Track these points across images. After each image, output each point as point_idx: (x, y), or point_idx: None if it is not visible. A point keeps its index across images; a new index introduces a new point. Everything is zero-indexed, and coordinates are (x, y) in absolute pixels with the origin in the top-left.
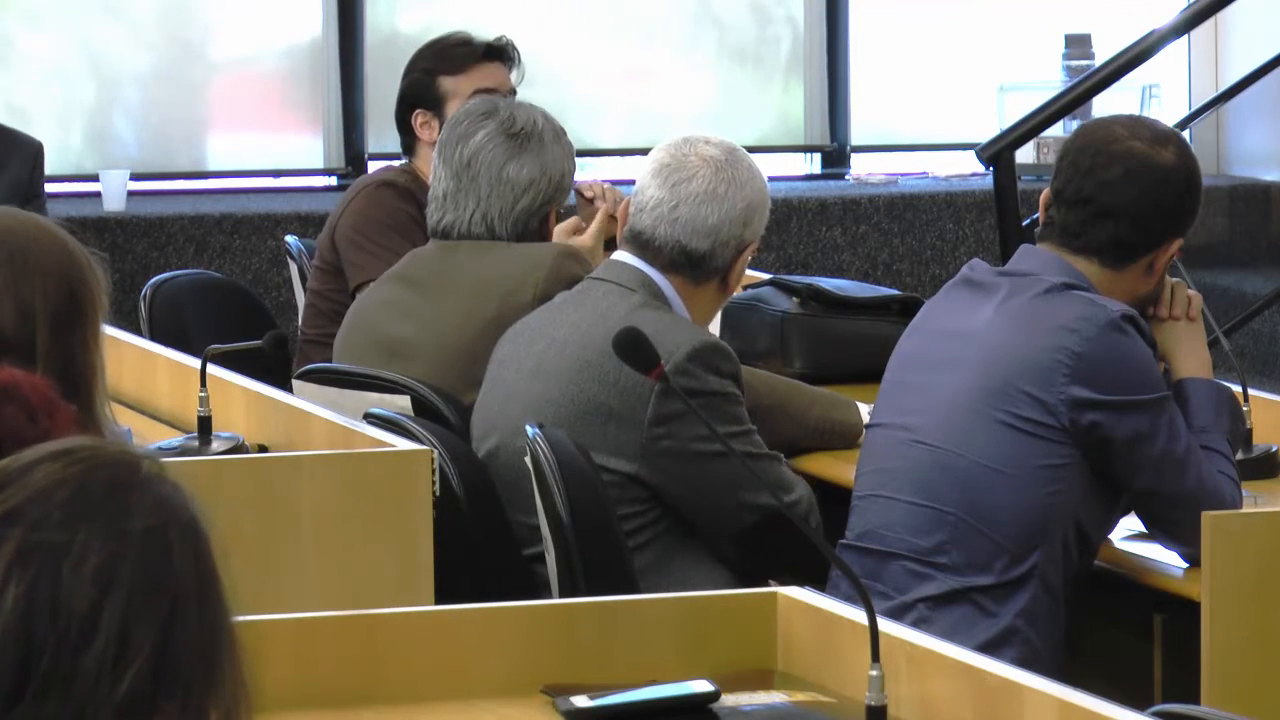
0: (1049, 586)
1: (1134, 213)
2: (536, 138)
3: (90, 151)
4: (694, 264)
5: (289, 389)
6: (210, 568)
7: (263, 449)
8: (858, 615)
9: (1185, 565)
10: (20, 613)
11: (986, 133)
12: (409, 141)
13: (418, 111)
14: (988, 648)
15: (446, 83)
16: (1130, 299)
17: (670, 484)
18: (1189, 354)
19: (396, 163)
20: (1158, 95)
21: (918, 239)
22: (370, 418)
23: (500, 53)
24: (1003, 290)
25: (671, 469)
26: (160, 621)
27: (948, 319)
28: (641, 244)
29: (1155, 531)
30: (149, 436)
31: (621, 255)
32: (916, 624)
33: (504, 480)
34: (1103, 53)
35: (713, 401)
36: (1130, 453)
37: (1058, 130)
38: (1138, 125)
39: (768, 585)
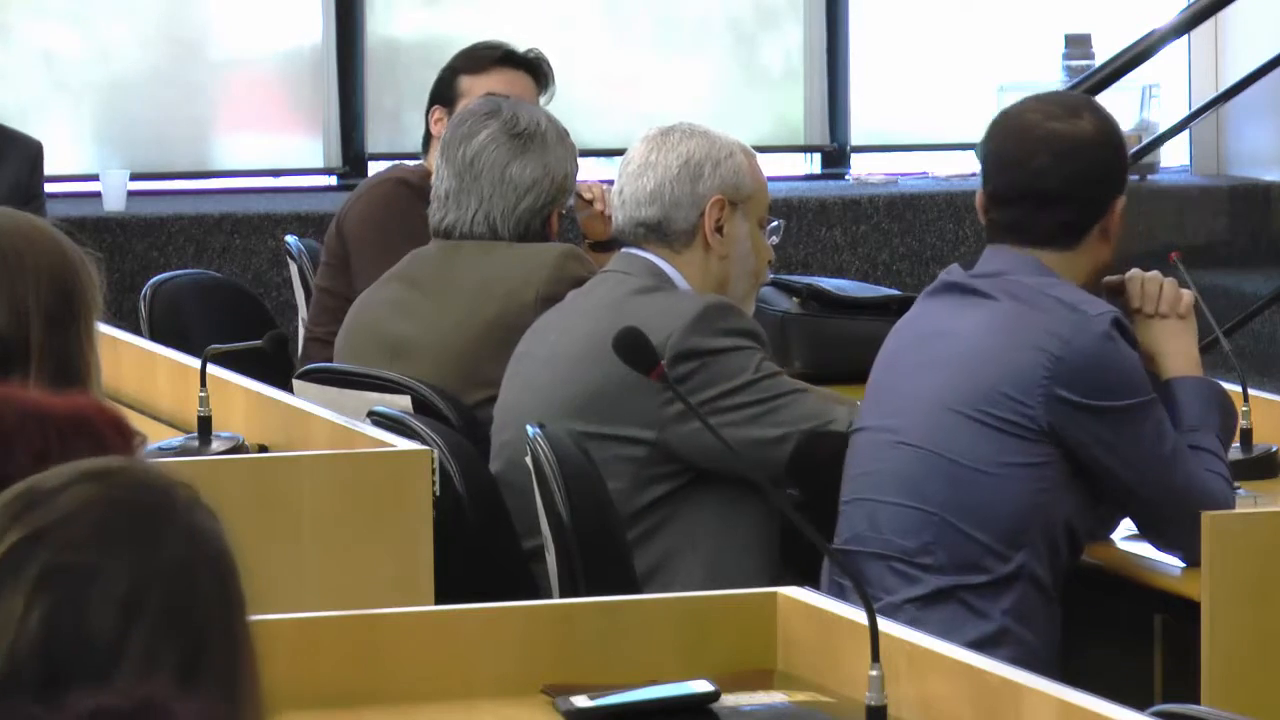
0: (1038, 585)
1: (1073, 191)
2: (540, 138)
3: (90, 151)
4: (659, 233)
5: (289, 389)
6: (237, 601)
7: (263, 449)
8: (858, 615)
9: (1184, 565)
10: (43, 635)
11: None
12: (429, 139)
13: (435, 107)
14: (979, 648)
15: (464, 82)
16: (1096, 270)
17: (689, 447)
18: (1176, 353)
19: (411, 163)
20: (1158, 95)
21: (918, 239)
22: (374, 416)
23: (521, 61)
24: (983, 292)
25: (688, 430)
26: (184, 656)
27: (928, 322)
28: (621, 239)
29: (1149, 536)
30: (149, 437)
31: (625, 249)
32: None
33: (522, 470)
34: (1103, 53)
35: (722, 357)
36: (1115, 458)
37: None
38: (1047, 104)
39: (776, 582)
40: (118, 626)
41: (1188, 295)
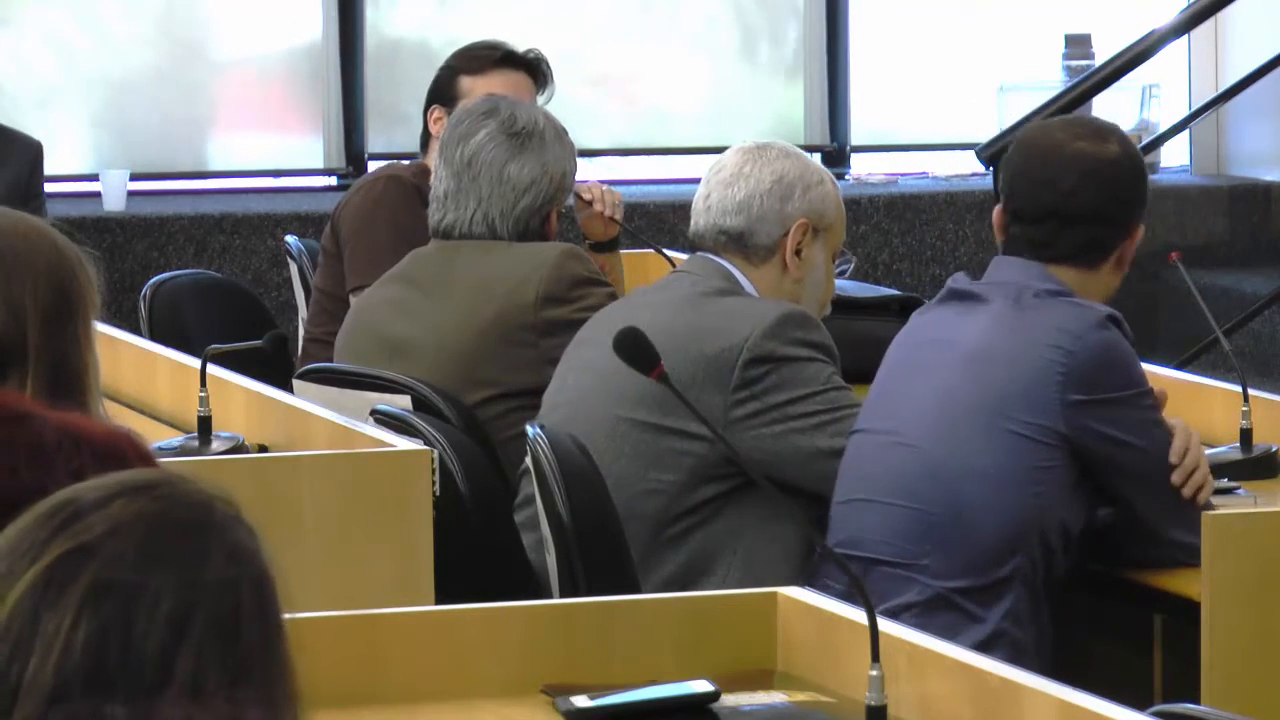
0: (1033, 587)
1: (1099, 212)
2: (538, 137)
3: (90, 151)
4: (739, 244)
5: (289, 389)
6: (278, 622)
7: (263, 449)
8: (858, 615)
9: (1188, 561)
10: (93, 651)
11: (986, 133)
12: (427, 137)
13: (434, 107)
14: (975, 650)
15: (465, 82)
16: (1105, 296)
17: (748, 450)
18: None
19: (406, 161)
20: (1158, 95)
21: (918, 239)
22: (377, 414)
23: (521, 62)
24: (989, 299)
25: (752, 435)
26: (229, 676)
27: (932, 329)
28: (697, 245)
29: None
30: (149, 437)
31: (700, 253)
32: None
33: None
34: (1103, 53)
35: (795, 365)
36: (1126, 447)
37: None
38: (1075, 125)
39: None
40: (165, 645)
41: (1205, 494)
